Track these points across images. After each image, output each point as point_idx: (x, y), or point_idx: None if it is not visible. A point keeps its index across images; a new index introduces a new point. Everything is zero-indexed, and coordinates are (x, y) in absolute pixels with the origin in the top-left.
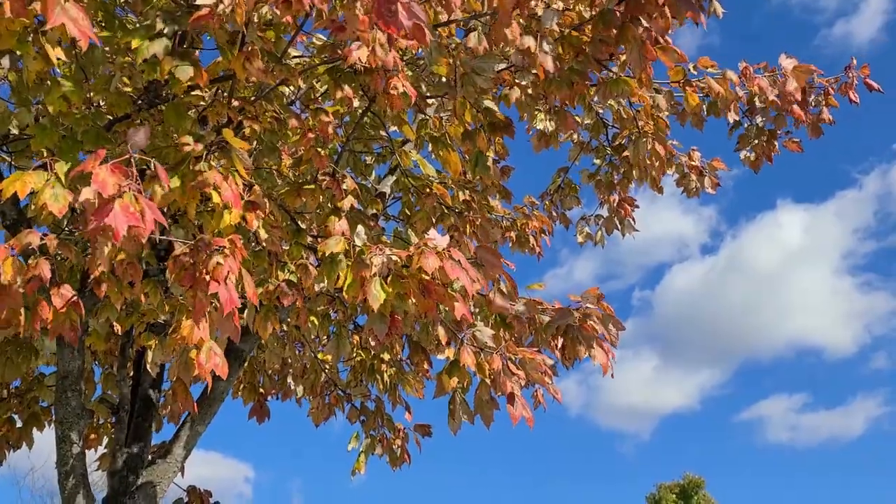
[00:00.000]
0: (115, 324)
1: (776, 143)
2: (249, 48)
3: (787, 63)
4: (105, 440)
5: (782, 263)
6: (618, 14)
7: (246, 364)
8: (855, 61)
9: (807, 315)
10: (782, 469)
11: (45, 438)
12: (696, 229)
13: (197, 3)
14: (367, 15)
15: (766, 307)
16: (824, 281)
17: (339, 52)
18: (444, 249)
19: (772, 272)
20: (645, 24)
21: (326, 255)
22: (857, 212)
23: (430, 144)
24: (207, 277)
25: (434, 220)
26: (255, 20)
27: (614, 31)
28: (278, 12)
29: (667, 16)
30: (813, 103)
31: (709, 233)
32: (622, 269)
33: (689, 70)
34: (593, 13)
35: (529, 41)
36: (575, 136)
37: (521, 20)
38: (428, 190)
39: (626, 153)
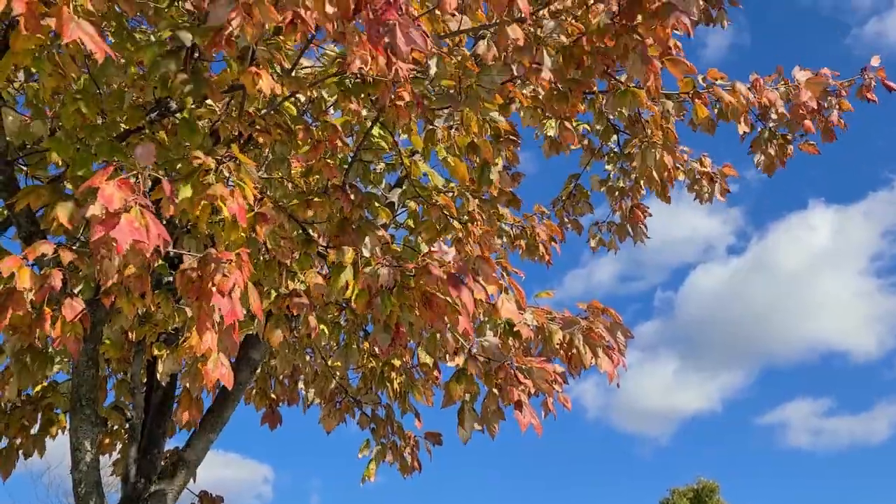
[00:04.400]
0: (128, 332)
1: (791, 146)
2: (259, 62)
3: (801, 75)
4: (119, 445)
5: (810, 265)
6: (615, 24)
7: (258, 370)
8: (877, 61)
9: (833, 318)
10: (801, 475)
11: (61, 438)
12: (722, 230)
13: (209, 24)
14: (365, 37)
15: (793, 310)
16: (851, 284)
17: (347, 63)
18: (448, 263)
19: (798, 274)
20: (641, 33)
21: (335, 265)
22: (888, 213)
23: (437, 154)
24: (213, 290)
25: (439, 229)
26: (265, 29)
27: (612, 42)
28: (283, 36)
29: (665, 25)
30: (826, 106)
31: (735, 233)
32: (645, 269)
33: (698, 82)
34: (592, 24)
35: (525, 56)
36: (586, 142)
37: (527, 28)
38: (434, 200)
39: (634, 163)
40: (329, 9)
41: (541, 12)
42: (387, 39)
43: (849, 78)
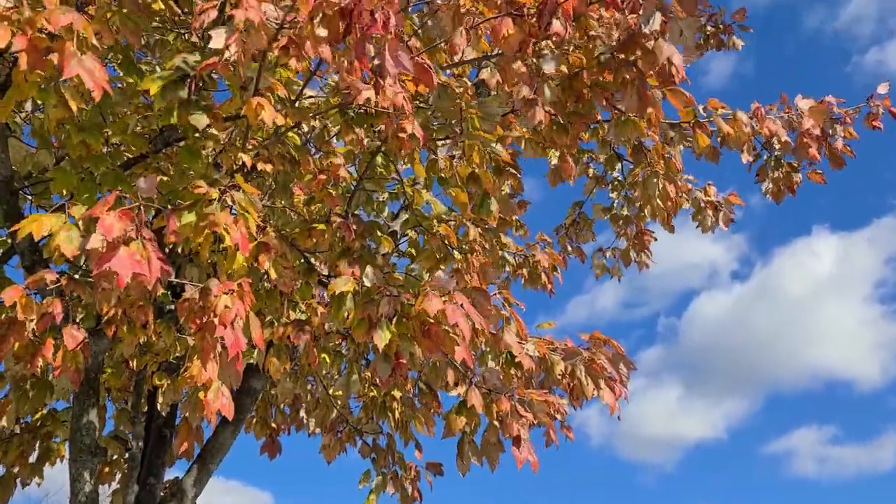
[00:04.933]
0: (129, 360)
1: (798, 174)
2: (262, 92)
3: (804, 104)
4: (118, 475)
5: (814, 292)
6: (613, 58)
7: (258, 399)
8: (885, 88)
9: (838, 345)
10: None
11: (59, 465)
12: (726, 256)
13: (210, 46)
14: (357, 62)
15: (797, 336)
16: (856, 310)
17: (350, 93)
18: (447, 292)
19: (803, 301)
20: (639, 67)
21: (335, 294)
22: (893, 240)
23: (438, 184)
24: (215, 320)
25: (439, 259)
26: (268, 60)
27: (611, 75)
28: (279, 61)
29: (657, 64)
30: (831, 133)
31: (739, 260)
32: (648, 295)
33: (699, 112)
34: (591, 57)
35: (525, 90)
36: (591, 171)
37: (528, 60)
38: (434, 230)
39: (637, 192)
40: (321, 31)
41: (543, 43)
42: (376, 61)
43: (853, 105)
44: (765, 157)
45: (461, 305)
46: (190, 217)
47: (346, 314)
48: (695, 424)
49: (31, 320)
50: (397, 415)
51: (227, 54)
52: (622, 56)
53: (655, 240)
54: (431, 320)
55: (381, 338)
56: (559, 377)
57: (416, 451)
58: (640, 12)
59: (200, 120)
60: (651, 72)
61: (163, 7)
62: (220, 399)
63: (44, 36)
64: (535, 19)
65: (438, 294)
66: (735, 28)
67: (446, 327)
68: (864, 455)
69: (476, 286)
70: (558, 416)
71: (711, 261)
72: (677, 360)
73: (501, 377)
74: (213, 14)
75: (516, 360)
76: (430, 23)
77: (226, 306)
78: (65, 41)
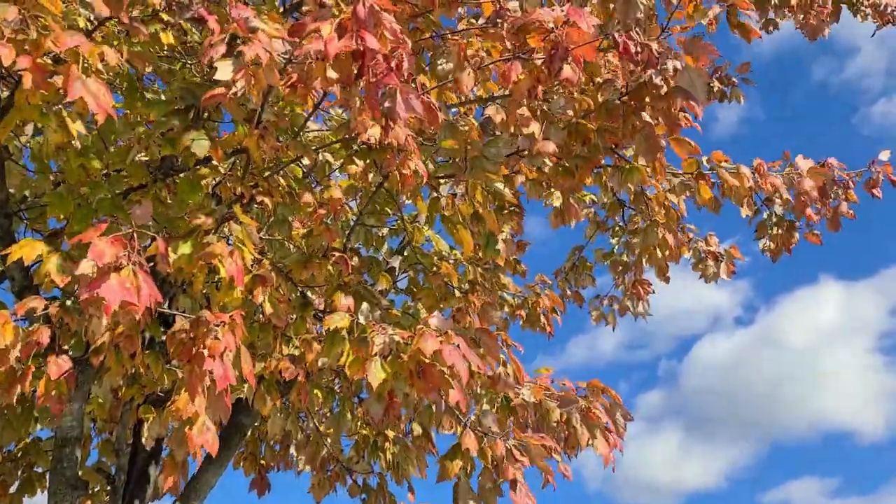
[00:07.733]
0: (116, 391)
1: (796, 233)
2: (264, 125)
3: (804, 164)
4: None
5: (818, 340)
6: (622, 104)
7: (247, 435)
8: (886, 155)
9: (840, 395)
10: None
11: (40, 496)
12: (730, 301)
13: (216, 78)
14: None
15: (799, 385)
16: (859, 360)
17: (357, 130)
18: (444, 332)
19: (806, 349)
20: (647, 116)
21: (330, 331)
22: None
23: (441, 222)
24: (205, 353)
25: (440, 299)
26: (272, 95)
27: (620, 121)
28: (286, 99)
29: (675, 106)
30: (832, 196)
31: (743, 305)
32: (650, 337)
33: (702, 163)
34: (599, 102)
35: (534, 126)
36: (591, 214)
37: (534, 102)
38: (435, 268)
39: (636, 239)
40: (331, 73)
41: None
42: (386, 104)
43: (857, 168)
44: (765, 213)
45: (458, 346)
46: (185, 248)
47: (340, 351)
48: (694, 471)
49: (14, 348)
50: (389, 455)
51: (234, 88)
52: (632, 103)
53: (653, 292)
54: (427, 360)
55: (374, 376)
56: (555, 425)
57: (410, 495)
58: (657, 67)
59: (201, 145)
60: (659, 118)
61: (172, 41)
62: (205, 434)
63: (48, 60)
64: (544, 64)
65: (435, 334)
66: (738, 80)
67: (442, 368)
68: None
69: (482, 327)
70: (556, 456)
71: (715, 305)
72: (678, 405)
73: (496, 419)
74: (222, 49)
75: (512, 406)
76: (439, 60)
77: (216, 339)
78: (69, 64)
